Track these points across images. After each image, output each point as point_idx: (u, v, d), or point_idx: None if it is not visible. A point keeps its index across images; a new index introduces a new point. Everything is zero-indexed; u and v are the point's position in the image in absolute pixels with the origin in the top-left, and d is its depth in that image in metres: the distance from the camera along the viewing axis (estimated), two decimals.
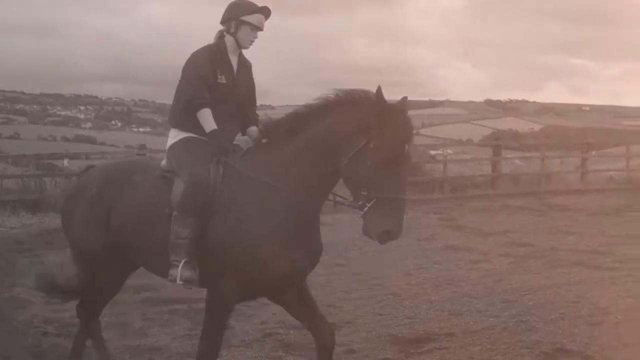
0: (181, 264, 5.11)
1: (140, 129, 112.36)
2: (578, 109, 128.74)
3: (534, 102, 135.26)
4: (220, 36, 5.59)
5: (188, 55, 5.46)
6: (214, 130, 5.35)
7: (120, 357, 6.69)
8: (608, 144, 36.41)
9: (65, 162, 21.57)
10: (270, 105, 68.09)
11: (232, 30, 5.53)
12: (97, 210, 5.65)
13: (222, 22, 5.59)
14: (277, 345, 7.13)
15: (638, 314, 8.03)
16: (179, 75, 5.50)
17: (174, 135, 5.55)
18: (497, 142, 25.99)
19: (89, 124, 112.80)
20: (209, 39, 5.60)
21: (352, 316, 8.24)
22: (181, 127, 5.50)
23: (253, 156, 5.25)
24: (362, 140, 4.71)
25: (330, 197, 5.25)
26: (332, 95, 4.99)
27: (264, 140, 5.27)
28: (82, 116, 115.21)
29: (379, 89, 4.70)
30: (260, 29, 5.55)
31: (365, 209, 4.68)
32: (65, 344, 6.85)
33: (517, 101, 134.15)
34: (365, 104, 4.80)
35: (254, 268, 4.91)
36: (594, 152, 27.61)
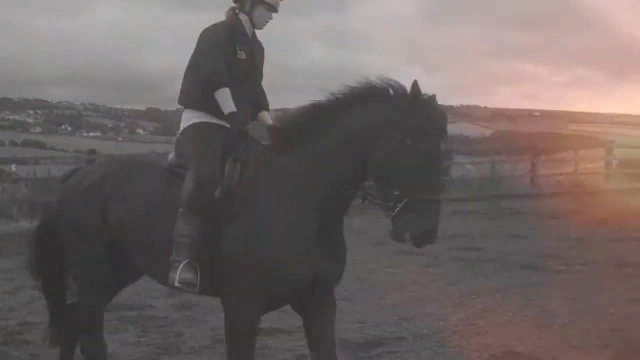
0: (181, 265, 4.79)
1: (91, 134, 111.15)
2: (529, 114, 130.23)
3: (485, 107, 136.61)
4: (234, 14, 5.24)
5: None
6: (234, 113, 4.95)
7: None
8: (557, 148, 36.90)
9: (13, 167, 21.25)
10: None
11: (247, 8, 5.19)
12: (95, 201, 5.24)
13: (236, 0, 5.26)
14: None
15: (585, 316, 8.15)
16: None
17: (189, 118, 5.15)
18: (449, 147, 26.19)
19: (38, 129, 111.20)
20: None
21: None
22: (197, 106, 5.09)
23: (273, 155, 4.86)
24: (396, 137, 4.41)
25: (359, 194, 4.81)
26: (359, 87, 4.65)
27: (280, 138, 4.90)
28: (31, 120, 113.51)
29: (415, 83, 4.43)
30: (275, 9, 5.25)
31: (397, 209, 4.43)
32: (11, 352, 6.74)
33: (468, 106, 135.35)
34: (399, 97, 4.52)
35: (277, 280, 4.61)
36: (543, 157, 27.96)
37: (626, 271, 10.70)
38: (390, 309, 8.70)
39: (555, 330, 7.63)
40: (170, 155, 5.25)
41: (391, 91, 4.57)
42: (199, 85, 5.02)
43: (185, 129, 5.15)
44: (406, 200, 4.39)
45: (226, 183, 4.82)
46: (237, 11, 5.24)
